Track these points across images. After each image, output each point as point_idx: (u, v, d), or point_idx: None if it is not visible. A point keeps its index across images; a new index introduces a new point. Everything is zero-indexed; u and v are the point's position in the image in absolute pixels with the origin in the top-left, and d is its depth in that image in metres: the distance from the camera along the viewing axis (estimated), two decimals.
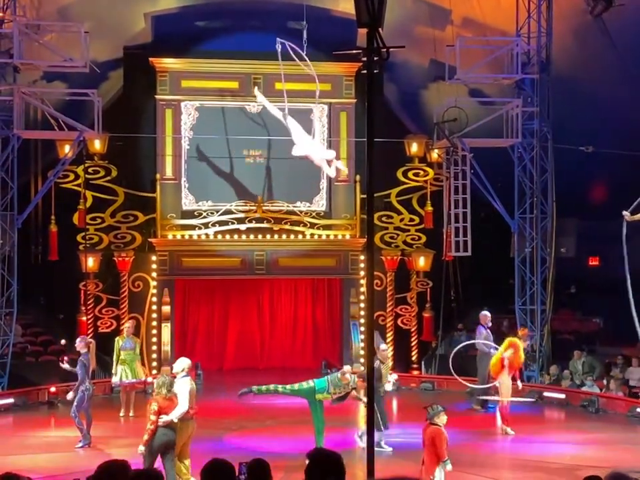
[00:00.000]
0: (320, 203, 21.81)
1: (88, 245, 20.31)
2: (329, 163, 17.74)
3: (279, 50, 16.44)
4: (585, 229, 21.71)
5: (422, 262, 21.65)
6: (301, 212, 21.53)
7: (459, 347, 17.31)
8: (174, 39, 21.12)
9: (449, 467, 10.28)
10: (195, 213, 21.20)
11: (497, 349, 16.40)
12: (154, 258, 20.90)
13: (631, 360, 18.45)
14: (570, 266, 21.18)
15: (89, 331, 19.97)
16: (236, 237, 21.08)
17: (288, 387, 13.14)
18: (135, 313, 20.67)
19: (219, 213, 21.06)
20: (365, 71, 7.32)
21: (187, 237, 20.97)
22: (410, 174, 22.07)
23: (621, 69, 18.36)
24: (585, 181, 20.61)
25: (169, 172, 21.18)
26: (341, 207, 21.74)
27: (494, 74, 20.14)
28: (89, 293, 20.55)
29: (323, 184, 21.77)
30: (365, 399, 13.32)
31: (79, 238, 20.41)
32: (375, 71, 7.23)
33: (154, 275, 20.91)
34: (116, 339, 17.06)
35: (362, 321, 21.04)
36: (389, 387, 14.35)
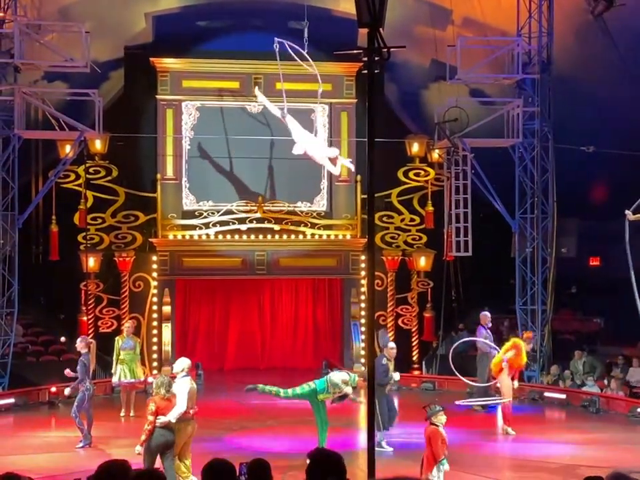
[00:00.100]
0: (321, 203, 21.81)
1: (89, 245, 20.31)
2: (333, 160, 17.58)
3: (277, 50, 16.42)
4: (585, 229, 21.70)
5: (423, 262, 21.64)
6: (302, 212, 21.53)
7: (458, 342, 17.33)
8: (175, 38, 21.12)
9: (446, 466, 10.29)
10: (196, 213, 21.20)
11: (497, 349, 16.41)
12: (155, 258, 20.90)
13: (632, 360, 18.43)
14: (571, 266, 21.17)
15: (90, 331, 19.97)
16: (237, 237, 21.08)
17: (290, 391, 13.06)
18: (136, 313, 20.67)
19: (220, 213, 21.06)
20: (365, 71, 7.31)
21: (187, 237, 20.97)
22: (411, 174, 22.07)
23: (621, 69, 18.36)
24: (585, 181, 20.61)
25: (169, 172, 21.18)
26: (342, 207, 21.74)
27: (495, 74, 20.14)
28: (89, 292, 20.55)
29: (324, 184, 21.77)
30: (358, 399, 13.28)
31: (79, 238, 20.41)
32: (376, 71, 7.22)
33: (155, 275, 20.91)
34: (116, 338, 17.04)
35: (363, 321, 21.04)
36: (397, 376, 14.35)
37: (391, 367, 14.26)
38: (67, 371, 14.64)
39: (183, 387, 11.09)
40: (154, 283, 20.91)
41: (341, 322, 22.12)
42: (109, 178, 20.90)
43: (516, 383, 15.71)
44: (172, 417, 10.74)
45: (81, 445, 14.00)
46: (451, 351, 16.27)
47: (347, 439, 14.03)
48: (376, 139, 7.38)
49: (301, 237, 21.35)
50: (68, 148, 19.63)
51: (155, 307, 20.86)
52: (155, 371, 19.78)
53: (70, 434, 14.54)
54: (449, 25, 20.30)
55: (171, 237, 20.93)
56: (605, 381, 18.32)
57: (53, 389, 17.76)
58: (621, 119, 18.77)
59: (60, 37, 19.11)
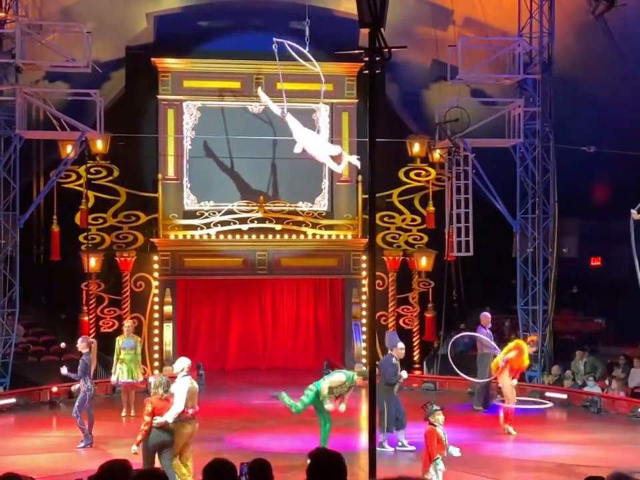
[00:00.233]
0: (322, 203, 21.82)
1: (90, 245, 20.32)
2: (338, 159, 17.43)
3: (276, 50, 16.41)
4: (587, 229, 21.70)
5: (424, 262, 21.64)
6: (303, 212, 21.54)
7: (458, 335, 17.33)
8: (176, 39, 21.13)
9: (441, 466, 10.29)
10: (197, 213, 21.21)
11: (497, 349, 16.40)
12: (156, 258, 20.91)
13: (633, 360, 18.40)
14: (572, 266, 21.17)
15: (91, 331, 19.98)
16: (238, 237, 21.09)
17: (299, 405, 12.98)
18: (137, 313, 20.68)
19: (221, 213, 21.07)
20: (366, 71, 7.31)
21: (188, 237, 20.98)
22: (412, 174, 22.07)
23: (622, 69, 18.35)
24: (587, 181, 20.59)
25: (170, 172, 21.19)
26: (343, 207, 21.74)
27: (496, 74, 20.12)
28: (90, 292, 20.55)
29: (325, 184, 21.77)
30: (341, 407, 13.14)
31: (81, 238, 20.43)
32: (377, 71, 7.22)
33: (156, 275, 20.92)
34: (117, 338, 17.04)
35: (364, 321, 21.05)
36: (405, 374, 14.39)
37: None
38: (63, 369, 14.65)
39: (182, 386, 11.04)
40: (155, 283, 20.92)
41: (342, 322, 22.13)
42: (110, 178, 20.91)
43: (514, 381, 15.69)
44: (169, 417, 10.71)
45: (82, 444, 14.00)
46: (450, 343, 16.27)
47: (348, 439, 14.01)
48: (377, 139, 7.38)
49: (302, 236, 21.35)
50: (69, 148, 19.63)
51: (156, 307, 20.87)
52: (156, 371, 19.78)
53: (71, 434, 14.54)
54: (450, 25, 20.30)
55: (172, 236, 20.94)
56: (606, 381, 18.30)
57: (54, 389, 17.77)
58: (621, 119, 18.76)
59: (61, 37, 19.12)
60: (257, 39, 20.31)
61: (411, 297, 21.99)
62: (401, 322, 21.77)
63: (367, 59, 7.15)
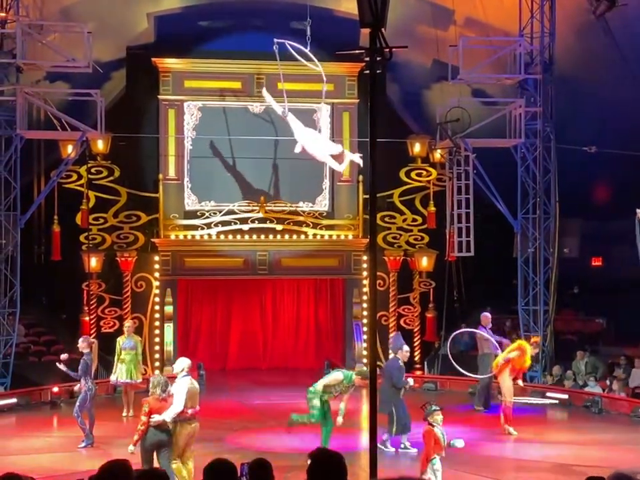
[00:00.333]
0: (322, 203, 21.81)
1: (91, 245, 20.32)
2: (339, 157, 17.33)
3: (276, 50, 16.40)
4: (588, 229, 21.68)
5: (425, 262, 21.64)
6: (304, 212, 21.54)
7: (458, 332, 17.32)
8: (177, 39, 21.13)
9: (437, 466, 10.31)
10: (198, 213, 21.21)
11: (498, 347, 16.41)
12: (157, 258, 20.91)
13: (634, 361, 18.39)
14: (573, 266, 21.16)
15: (92, 331, 19.97)
16: (239, 237, 21.09)
17: (315, 413, 12.90)
18: (138, 313, 20.68)
19: (222, 213, 21.07)
20: (367, 71, 7.31)
21: (189, 237, 20.98)
22: (413, 174, 22.06)
23: (623, 69, 18.34)
24: (587, 181, 20.59)
25: (171, 172, 21.19)
26: (344, 207, 21.74)
27: (497, 74, 20.12)
28: (91, 293, 20.55)
29: (326, 184, 21.77)
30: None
31: (81, 238, 20.43)
32: (378, 71, 7.22)
33: (156, 275, 20.92)
34: (118, 338, 17.05)
35: (365, 321, 21.04)
36: (411, 381, 14.45)
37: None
38: (63, 357, 14.68)
39: (182, 386, 11.01)
40: (156, 283, 20.92)
41: (342, 322, 22.12)
42: (111, 178, 20.91)
43: (520, 382, 15.69)
44: (167, 416, 10.70)
45: (83, 444, 14.00)
46: (450, 338, 16.27)
47: (349, 439, 14.01)
48: (378, 139, 7.38)
49: (302, 237, 21.35)
50: (70, 148, 19.62)
51: (156, 307, 20.87)
52: (156, 371, 19.77)
53: (72, 434, 14.55)
54: (451, 25, 20.30)
55: (172, 237, 20.94)
56: (607, 382, 18.30)
57: (55, 389, 17.76)
58: (622, 119, 18.76)
59: (62, 37, 19.12)
60: (258, 39, 20.31)
61: (412, 297, 21.98)
62: (401, 322, 21.76)
63: (367, 58, 7.15)
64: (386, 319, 21.52)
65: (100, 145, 20.63)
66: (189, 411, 10.98)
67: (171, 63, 21.17)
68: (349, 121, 21.66)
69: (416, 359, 21.53)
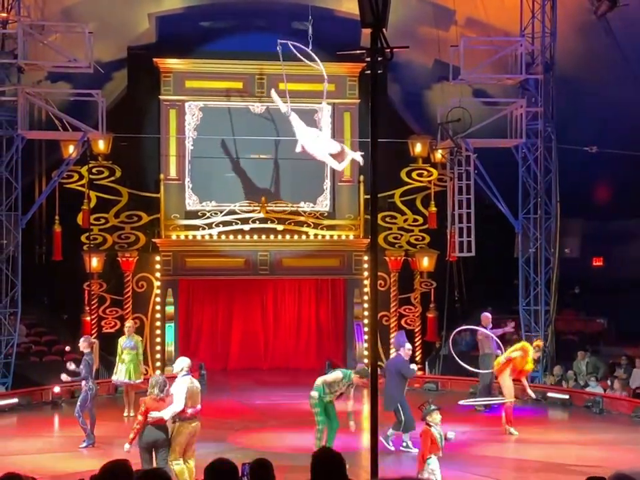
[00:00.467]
0: (324, 204, 21.81)
1: (92, 245, 20.33)
2: (339, 156, 17.25)
3: (280, 51, 16.39)
4: (589, 230, 21.69)
5: (426, 262, 21.64)
6: (305, 212, 21.54)
7: (459, 328, 17.33)
8: (178, 39, 21.13)
9: (432, 465, 10.32)
10: (199, 214, 21.22)
11: (499, 344, 16.42)
12: (158, 258, 20.91)
13: (635, 361, 18.40)
14: (574, 266, 21.16)
15: (93, 331, 19.97)
16: (240, 237, 21.09)
17: (320, 419, 12.90)
18: (139, 313, 20.69)
19: (223, 214, 21.07)
20: (368, 71, 7.31)
21: (190, 238, 20.98)
22: (414, 174, 22.06)
23: (624, 69, 18.34)
24: (588, 181, 20.59)
25: (172, 172, 21.20)
26: (345, 208, 21.74)
27: (498, 74, 20.11)
28: (92, 293, 20.56)
29: (327, 184, 21.76)
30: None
31: (82, 238, 20.44)
32: (379, 72, 7.22)
33: (158, 275, 20.93)
34: (119, 338, 17.06)
35: (366, 321, 21.04)
36: (415, 366, 14.56)
37: None
38: (69, 363, 14.70)
39: (181, 386, 11.00)
40: (157, 283, 20.92)
41: (343, 322, 22.11)
42: (112, 178, 20.92)
43: (531, 393, 15.56)
44: (165, 414, 10.69)
45: (84, 444, 14.01)
46: (453, 334, 16.28)
47: (350, 439, 14.00)
48: (379, 139, 7.38)
49: (303, 237, 21.36)
50: (71, 148, 19.63)
51: (158, 307, 20.87)
52: (157, 371, 19.78)
53: (73, 434, 14.56)
54: (452, 25, 20.29)
55: (174, 237, 20.94)
56: (608, 382, 18.29)
57: (56, 389, 17.74)
58: (623, 119, 18.76)
59: (63, 37, 19.12)
60: (259, 39, 20.31)
61: (413, 297, 21.99)
62: (402, 322, 21.76)
63: (369, 59, 7.15)
64: (387, 319, 21.53)
65: (101, 145, 20.64)
66: (189, 411, 10.96)
67: (172, 63, 21.17)
68: (350, 121, 21.66)
69: (417, 359, 21.52)
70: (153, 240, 20.90)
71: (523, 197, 19.97)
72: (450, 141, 19.96)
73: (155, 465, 10.53)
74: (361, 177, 21.19)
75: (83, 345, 14.55)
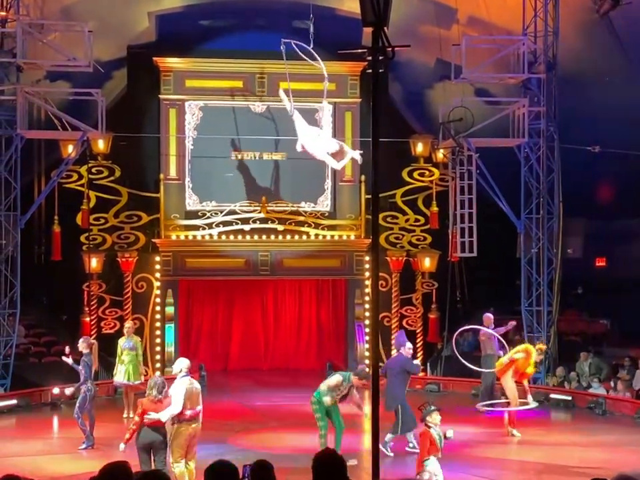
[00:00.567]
0: (324, 203, 21.81)
1: (91, 246, 20.33)
2: (338, 155, 17.20)
3: (284, 50, 16.39)
4: (591, 229, 21.68)
5: (427, 263, 21.64)
6: (306, 212, 21.54)
7: (462, 328, 17.33)
8: (178, 38, 21.13)
9: (430, 467, 10.33)
10: (199, 214, 21.22)
11: (503, 343, 16.41)
12: (157, 258, 20.92)
13: (638, 362, 18.39)
14: (577, 267, 21.16)
15: (92, 332, 19.97)
16: (240, 237, 21.09)
17: (321, 424, 12.91)
18: (139, 313, 20.69)
19: (223, 214, 21.08)
20: (369, 70, 7.30)
21: (190, 238, 20.98)
22: (415, 174, 22.06)
23: (627, 68, 18.33)
24: (591, 181, 20.58)
25: (172, 172, 21.20)
26: (346, 207, 21.73)
27: (500, 73, 20.10)
28: (92, 293, 20.56)
29: (328, 184, 21.76)
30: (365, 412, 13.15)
31: (82, 238, 20.44)
32: (380, 71, 7.21)
33: (157, 275, 20.93)
34: (119, 339, 17.06)
35: (367, 322, 21.03)
36: (418, 362, 14.60)
37: None
38: (67, 352, 14.68)
39: (180, 387, 10.97)
40: (157, 284, 20.92)
41: (344, 323, 22.12)
42: (112, 178, 20.92)
43: (532, 402, 15.50)
44: (163, 415, 10.67)
45: (83, 446, 14.01)
46: (456, 334, 16.27)
47: (351, 441, 14.00)
48: (380, 139, 7.37)
49: (304, 237, 21.36)
50: (70, 148, 19.63)
51: (157, 308, 20.87)
52: (157, 372, 19.77)
53: (72, 435, 14.56)
54: (454, 24, 20.27)
55: (173, 237, 20.94)
56: (611, 383, 18.28)
57: (56, 390, 17.74)
58: (626, 119, 18.74)
59: (62, 36, 19.11)
60: (260, 38, 20.34)
61: (415, 298, 21.99)
62: (404, 323, 21.75)
63: (370, 58, 7.14)
64: (388, 319, 21.52)
65: (101, 145, 20.65)
66: (188, 412, 10.91)
67: (172, 62, 21.17)
68: (351, 120, 21.66)
69: (418, 360, 21.49)
70: (153, 240, 20.90)
71: (525, 197, 19.97)
72: (452, 141, 19.96)
73: (153, 466, 10.52)
74: (362, 177, 21.19)
75: (82, 345, 14.55)
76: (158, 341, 20.75)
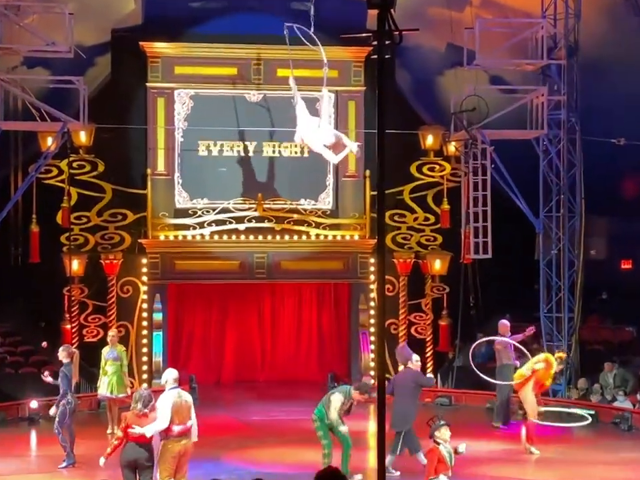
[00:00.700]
0: (326, 201, 21.82)
1: (72, 247, 20.33)
2: (337, 147, 17.13)
3: (287, 35, 16.36)
4: (616, 229, 21.71)
5: (438, 265, 21.64)
6: (305, 210, 21.55)
7: (479, 341, 17.33)
8: (166, 21, 21.11)
9: None
10: (190, 212, 21.24)
11: (521, 354, 16.41)
12: (144, 261, 20.92)
13: None
14: (600, 269, 21.19)
15: (74, 340, 19.99)
16: (234, 237, 21.10)
17: (325, 443, 12.95)
18: (124, 320, 20.70)
19: (216, 212, 21.09)
20: (375, 56, 7.30)
21: (180, 238, 20.99)
22: (425, 169, 22.08)
23: None
24: (616, 176, 20.59)
25: (160, 166, 21.21)
26: (349, 205, 21.75)
27: (517, 59, 20.09)
28: (73, 298, 20.57)
29: (330, 179, 21.77)
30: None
31: (62, 239, 20.44)
32: (386, 56, 7.21)
33: (144, 279, 20.93)
34: (103, 349, 17.05)
35: (372, 329, 21.04)
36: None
37: None
38: (46, 374, 14.66)
39: (166, 401, 10.93)
40: (144, 288, 20.94)
41: (348, 331, 22.13)
42: (95, 173, 20.94)
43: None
44: (147, 430, 10.64)
45: (63, 464, 14.00)
46: (473, 347, 16.28)
47: (356, 459, 14.01)
48: (387, 130, 7.37)
49: (304, 237, 21.36)
50: (50, 140, 19.65)
51: (144, 315, 20.88)
52: (144, 384, 19.77)
53: (52, 452, 14.56)
54: (467, 5, 20.29)
55: (162, 237, 20.96)
56: (638, 396, 18.29)
57: (34, 404, 17.74)
58: None
59: (41, 18, 19.08)
60: (255, 21, 20.34)
61: (424, 304, 21.99)
62: (412, 331, 21.77)
63: (375, 42, 7.14)
64: (395, 327, 21.53)
65: (82, 137, 20.66)
66: (176, 428, 10.86)
67: (161, 47, 21.18)
68: (354, 110, 21.66)
69: (428, 371, 21.52)
70: (139, 240, 20.92)
71: (545, 194, 19.98)
72: (464, 132, 19.98)
73: None
74: (367, 172, 21.21)
75: (62, 354, 14.52)
76: (145, 350, 20.76)
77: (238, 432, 16.99)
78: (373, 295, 21.09)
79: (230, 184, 21.42)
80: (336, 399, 13.04)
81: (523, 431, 15.51)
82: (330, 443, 12.88)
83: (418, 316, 21.96)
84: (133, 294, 20.96)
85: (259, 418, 18.14)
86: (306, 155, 18.68)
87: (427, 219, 22.08)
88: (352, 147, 16.77)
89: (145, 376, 20.59)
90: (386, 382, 8.65)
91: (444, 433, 10.54)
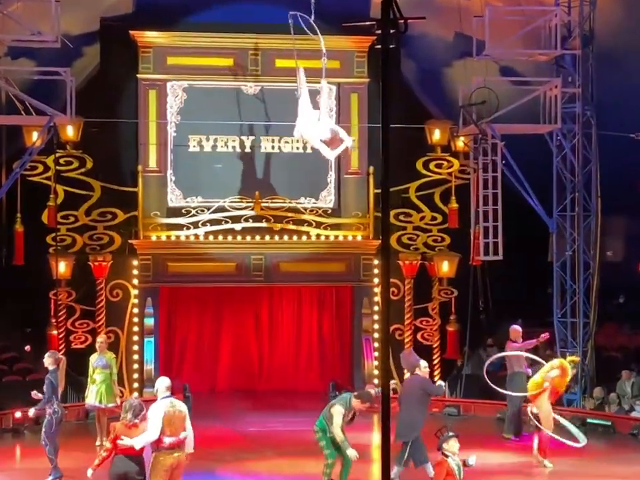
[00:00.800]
0: (327, 199, 21.84)
1: (59, 248, 20.34)
2: (334, 142, 17.08)
3: (292, 25, 16.36)
4: (634, 229, 21.71)
5: (445, 267, 21.65)
6: (306, 209, 21.55)
7: (490, 359, 17.31)
8: (158, 8, 21.10)
9: None
10: (183, 211, 21.24)
11: (533, 361, 16.40)
12: (135, 262, 20.93)
13: None
14: (617, 272, 21.19)
15: (61, 347, 19.97)
16: (230, 238, 21.11)
17: (327, 452, 12.98)
18: (113, 326, 20.70)
19: (211, 211, 21.10)
20: (379, 46, 7.32)
21: (173, 238, 20.99)
22: (432, 165, 22.08)
23: None
24: (634, 174, 20.59)
25: (152, 163, 21.22)
26: (352, 204, 21.76)
27: (529, 49, 20.12)
28: (60, 302, 20.57)
29: (331, 177, 21.78)
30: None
31: (48, 239, 20.45)
32: (391, 46, 7.23)
33: (135, 282, 20.94)
34: (91, 356, 17.04)
35: (376, 335, 21.04)
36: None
37: None
38: (34, 393, 14.64)
39: (157, 411, 10.91)
40: (134, 292, 20.94)
41: (350, 337, 22.12)
42: (83, 170, 20.94)
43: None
44: (137, 442, 10.63)
45: (50, 478, 13.98)
46: (486, 364, 16.28)
47: (359, 471, 14.02)
48: (391, 125, 7.38)
49: (304, 238, 21.37)
50: (35, 135, 19.66)
51: (135, 320, 20.89)
52: (134, 393, 19.78)
53: (37, 466, 14.54)
54: None
55: (154, 238, 20.96)
56: None
57: (18, 414, 17.74)
58: None
59: (26, 6, 19.08)
60: (253, 9, 20.32)
61: (431, 308, 22.00)
62: (418, 336, 21.77)
63: (379, 31, 7.16)
64: (400, 333, 21.53)
65: (70, 132, 20.67)
66: (167, 440, 10.84)
67: (152, 37, 21.19)
68: (357, 103, 21.67)
69: (436, 379, 21.51)
70: (130, 241, 20.93)
71: (558, 192, 19.99)
72: (473, 127, 20.00)
73: None
74: (371, 169, 21.22)
75: (47, 360, 14.47)
76: (135, 357, 20.76)
77: (234, 443, 16.99)
78: (377, 298, 21.09)
79: (226, 181, 21.43)
80: (337, 412, 12.99)
81: (535, 441, 15.49)
82: (333, 452, 12.86)
83: (424, 321, 21.96)
84: (123, 298, 20.96)
85: (255, 429, 18.14)
86: (309, 150, 18.67)
87: (434, 218, 22.08)
88: (347, 142, 16.75)
89: (135, 384, 20.59)
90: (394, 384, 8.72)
91: (452, 445, 10.54)
